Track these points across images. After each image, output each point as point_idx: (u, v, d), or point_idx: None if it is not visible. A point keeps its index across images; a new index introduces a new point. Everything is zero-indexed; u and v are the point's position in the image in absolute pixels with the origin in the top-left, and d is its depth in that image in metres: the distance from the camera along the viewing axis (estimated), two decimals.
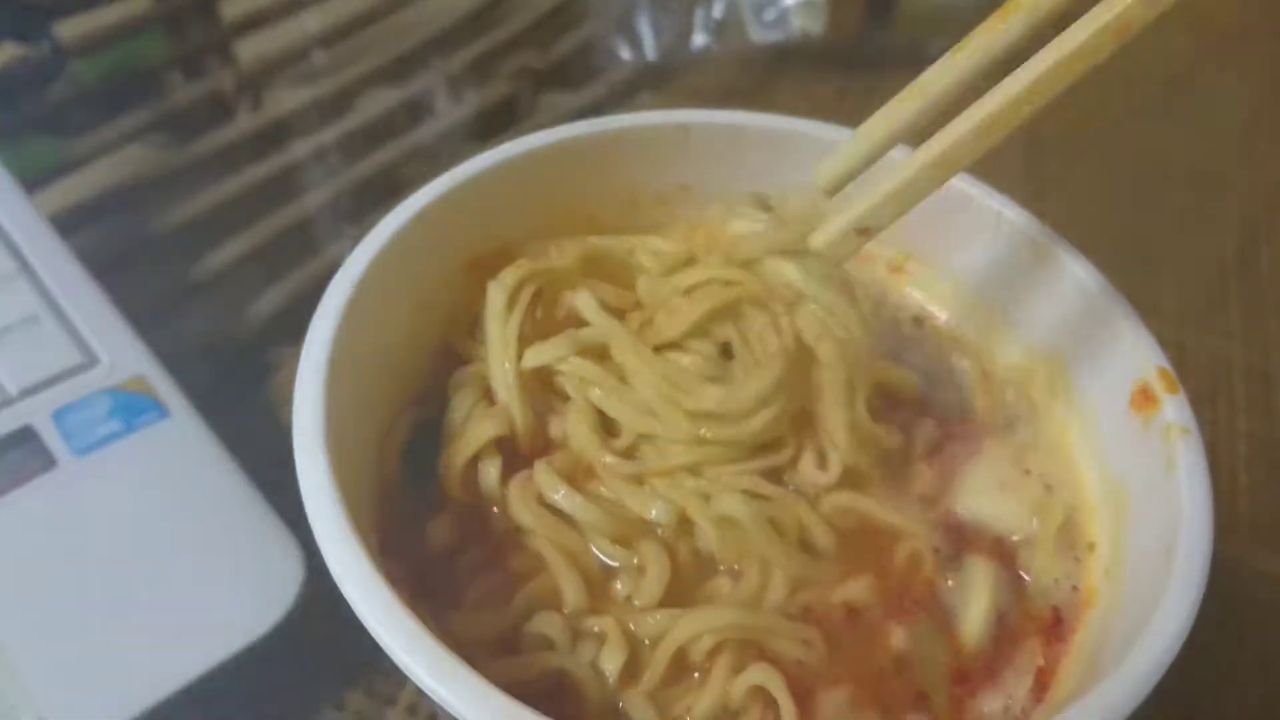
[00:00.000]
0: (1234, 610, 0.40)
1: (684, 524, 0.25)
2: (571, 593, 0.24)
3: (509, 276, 0.26)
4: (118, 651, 0.36)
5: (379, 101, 0.74)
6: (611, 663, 0.23)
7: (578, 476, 0.26)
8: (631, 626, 0.24)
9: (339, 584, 0.20)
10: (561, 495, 0.25)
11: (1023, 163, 0.57)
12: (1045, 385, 0.29)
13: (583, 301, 0.27)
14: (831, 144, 0.30)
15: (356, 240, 0.61)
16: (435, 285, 0.28)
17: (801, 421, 0.27)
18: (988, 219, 0.29)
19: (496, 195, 0.29)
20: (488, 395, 0.27)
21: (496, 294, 0.26)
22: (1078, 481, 0.28)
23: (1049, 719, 0.18)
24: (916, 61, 0.31)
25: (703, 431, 0.25)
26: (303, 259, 0.61)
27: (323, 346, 0.23)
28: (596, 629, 0.24)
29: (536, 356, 0.26)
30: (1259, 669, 0.40)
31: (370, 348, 0.25)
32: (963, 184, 0.29)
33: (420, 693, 0.41)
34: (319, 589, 0.39)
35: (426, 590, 0.25)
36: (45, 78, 0.66)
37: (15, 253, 0.47)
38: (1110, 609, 0.23)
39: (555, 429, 0.27)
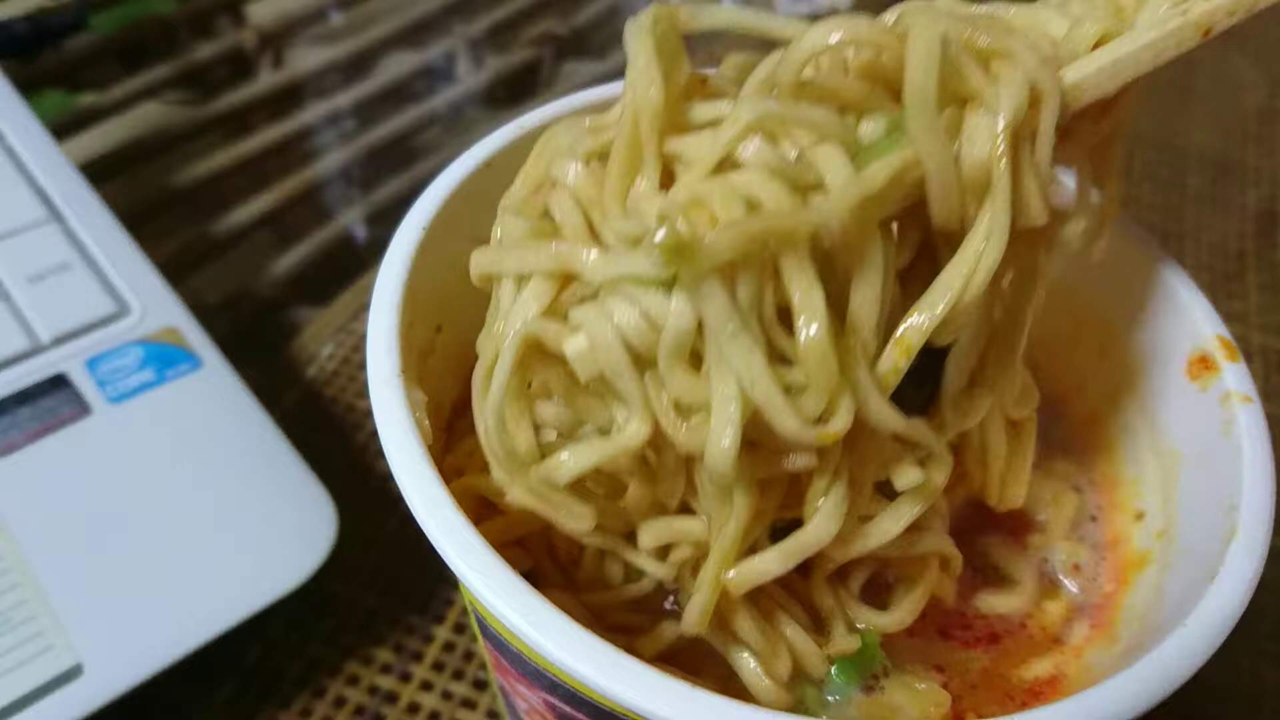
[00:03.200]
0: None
1: None
2: None
3: None
4: (152, 599, 0.37)
5: (400, 64, 0.73)
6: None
7: None
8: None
9: (405, 495, 0.20)
10: None
11: None
12: (1095, 350, 0.29)
13: None
14: None
15: (372, 204, 0.62)
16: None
17: None
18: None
19: None
20: None
21: None
22: (1117, 454, 0.28)
23: (1126, 668, 0.19)
24: None
25: None
26: (321, 220, 0.61)
27: (394, 288, 0.23)
28: None
29: None
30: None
31: (433, 290, 0.25)
32: None
33: (445, 649, 0.42)
34: (350, 543, 0.40)
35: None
36: (64, 30, 0.65)
37: (45, 200, 0.47)
38: (1165, 569, 0.24)
39: None
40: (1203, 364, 0.25)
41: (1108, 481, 0.28)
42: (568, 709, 0.23)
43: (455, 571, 0.19)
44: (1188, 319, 0.26)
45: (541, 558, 0.24)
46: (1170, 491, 0.25)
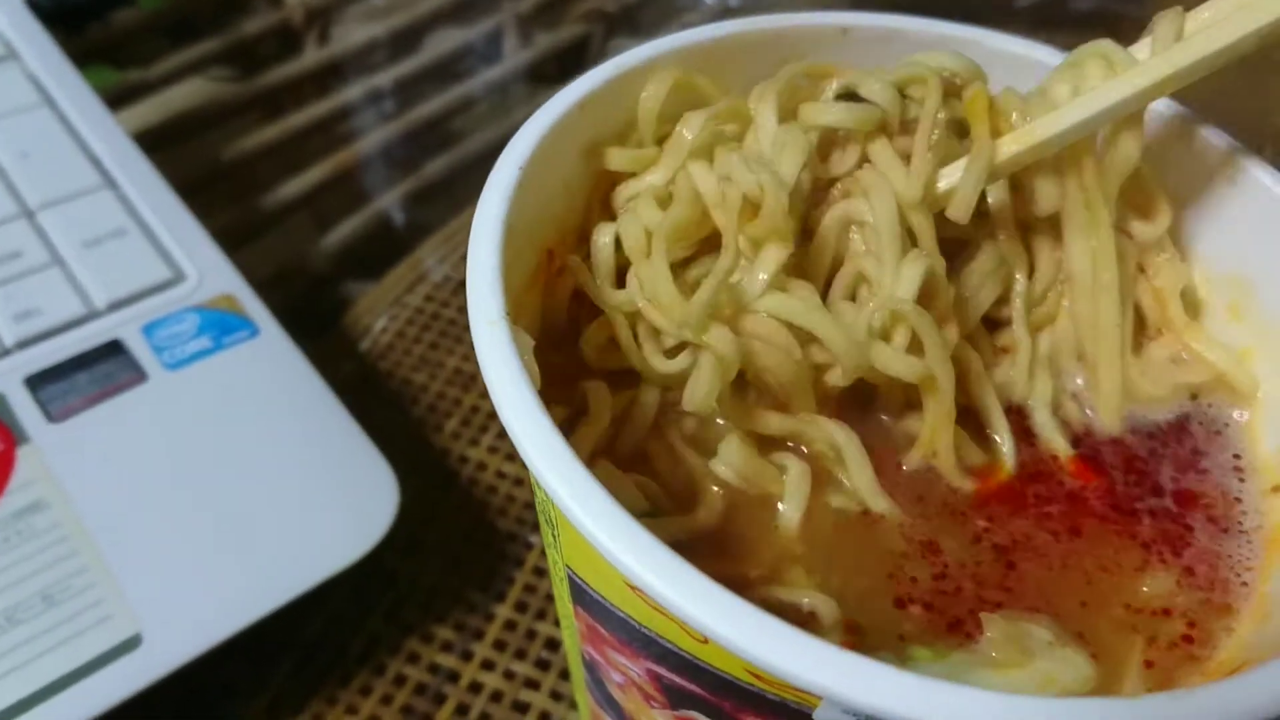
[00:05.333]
0: None
1: None
2: None
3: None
4: (212, 570, 0.35)
5: (446, 40, 0.72)
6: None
7: None
8: None
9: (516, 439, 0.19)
10: None
11: None
12: (1228, 309, 0.27)
13: None
14: (1009, 57, 0.29)
15: (421, 179, 0.61)
16: (580, 173, 0.26)
17: None
18: (1179, 127, 0.27)
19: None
20: None
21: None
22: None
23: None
24: (1003, 14, 0.30)
25: None
26: (367, 197, 0.60)
27: (495, 227, 0.22)
28: None
29: None
30: None
31: (526, 222, 0.23)
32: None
33: (507, 627, 0.41)
34: (409, 516, 0.38)
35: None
36: (111, 3, 0.65)
37: (100, 167, 0.46)
38: None
39: None
40: None
41: None
42: (677, 679, 0.22)
43: (578, 526, 0.18)
44: None
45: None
46: None
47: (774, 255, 0.23)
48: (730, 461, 0.23)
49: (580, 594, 0.23)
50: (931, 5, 0.34)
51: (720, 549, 0.23)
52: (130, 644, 0.33)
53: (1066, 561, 0.23)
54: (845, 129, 0.25)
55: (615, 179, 0.28)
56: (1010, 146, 0.24)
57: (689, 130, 0.25)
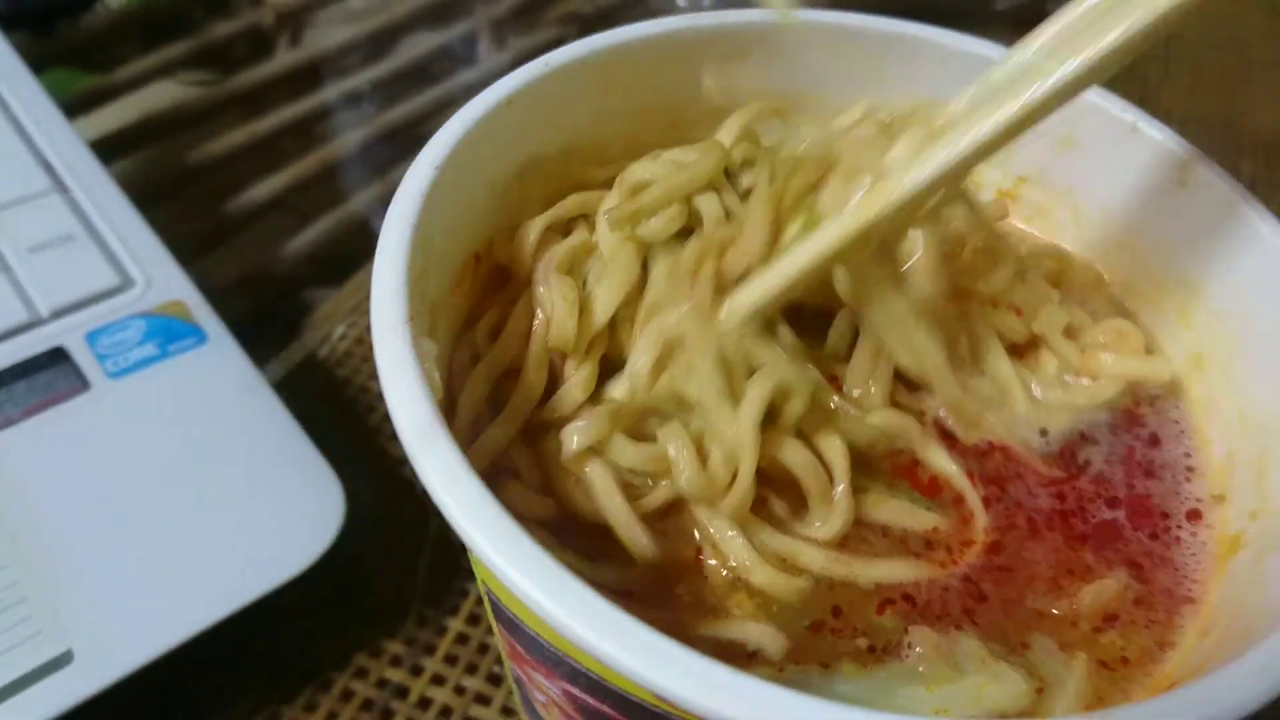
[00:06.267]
0: None
1: None
2: None
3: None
4: (149, 583, 0.34)
5: (422, 43, 0.71)
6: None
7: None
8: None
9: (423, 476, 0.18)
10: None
11: None
12: (1177, 316, 0.26)
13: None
14: (954, 53, 0.28)
15: (390, 184, 0.60)
16: (507, 175, 0.26)
17: None
18: (1120, 132, 0.26)
19: (580, 89, 0.26)
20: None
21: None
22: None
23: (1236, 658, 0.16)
24: (984, 17, 0.29)
25: None
26: (336, 201, 0.59)
27: (403, 228, 0.21)
28: None
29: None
30: None
31: (445, 223, 0.22)
32: (1089, 95, 0.27)
33: (459, 641, 0.40)
34: (359, 529, 0.37)
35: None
36: (76, 4, 0.64)
37: (50, 171, 0.45)
38: (1265, 551, 0.21)
39: None
40: None
41: None
42: (590, 700, 0.21)
43: (463, 536, 0.17)
44: None
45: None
46: (1265, 466, 0.23)
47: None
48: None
49: (498, 611, 0.23)
50: (910, 6, 0.33)
51: (660, 586, 0.22)
52: (61, 660, 0.32)
53: (1004, 574, 0.22)
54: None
55: (551, 182, 0.28)
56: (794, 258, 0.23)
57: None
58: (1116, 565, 0.23)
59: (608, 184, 0.28)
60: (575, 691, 0.21)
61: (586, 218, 0.26)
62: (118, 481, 0.36)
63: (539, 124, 0.26)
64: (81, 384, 0.38)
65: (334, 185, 0.61)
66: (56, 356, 0.39)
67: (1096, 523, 0.23)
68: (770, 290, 0.22)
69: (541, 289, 0.24)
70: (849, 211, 0.22)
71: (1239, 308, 0.24)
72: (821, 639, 0.20)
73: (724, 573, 0.21)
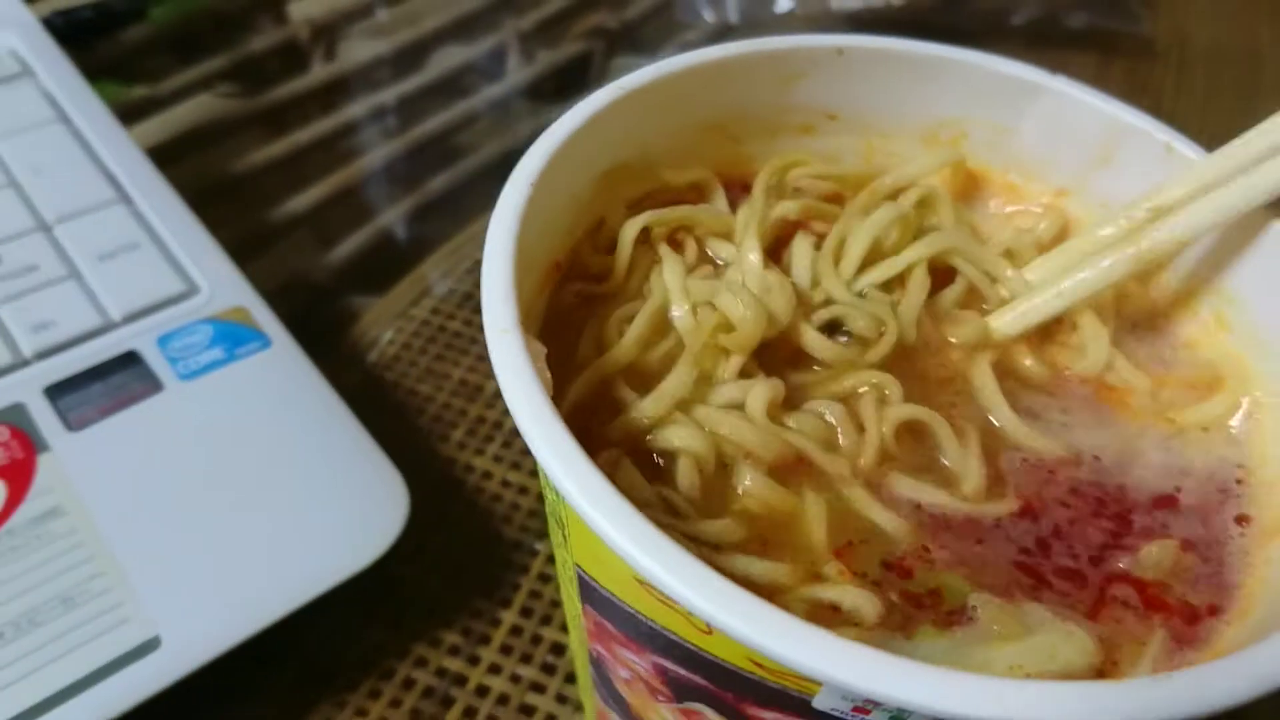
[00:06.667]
0: None
1: None
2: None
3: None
4: (226, 575, 0.36)
5: (451, 57, 0.73)
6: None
7: None
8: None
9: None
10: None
11: None
12: (1213, 321, 0.28)
13: None
14: (999, 77, 0.30)
15: (425, 194, 0.62)
16: (586, 188, 0.28)
17: None
18: (1155, 151, 0.28)
19: (648, 109, 0.28)
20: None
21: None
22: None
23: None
24: (997, 32, 0.31)
25: None
26: (372, 212, 0.61)
27: (508, 240, 0.23)
28: None
29: None
30: None
31: (535, 235, 0.25)
32: (1125, 115, 0.29)
33: (513, 632, 0.42)
34: (415, 527, 0.39)
35: None
36: (126, 18, 0.66)
37: (113, 181, 0.47)
38: None
39: None
40: None
41: None
42: (682, 671, 0.23)
43: (584, 518, 0.19)
44: None
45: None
46: None
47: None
48: (751, 491, 0.24)
49: (589, 591, 0.24)
50: (927, 23, 0.35)
51: (754, 555, 0.24)
52: (149, 646, 0.34)
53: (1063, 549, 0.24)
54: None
55: (632, 194, 0.30)
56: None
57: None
58: (1169, 535, 0.25)
59: (685, 194, 0.31)
60: (667, 664, 0.23)
61: (690, 230, 0.29)
62: (192, 477, 0.38)
63: (612, 141, 0.28)
64: (154, 386, 0.40)
65: (365, 197, 0.63)
66: (129, 360, 0.41)
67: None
68: (1044, 315, 0.27)
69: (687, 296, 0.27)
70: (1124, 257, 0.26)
71: (1273, 309, 0.26)
72: (902, 605, 0.22)
73: (821, 538, 0.23)
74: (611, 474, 0.20)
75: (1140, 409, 0.27)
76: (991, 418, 0.26)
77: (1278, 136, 0.26)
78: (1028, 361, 0.27)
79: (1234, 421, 0.27)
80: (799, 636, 0.18)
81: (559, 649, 0.41)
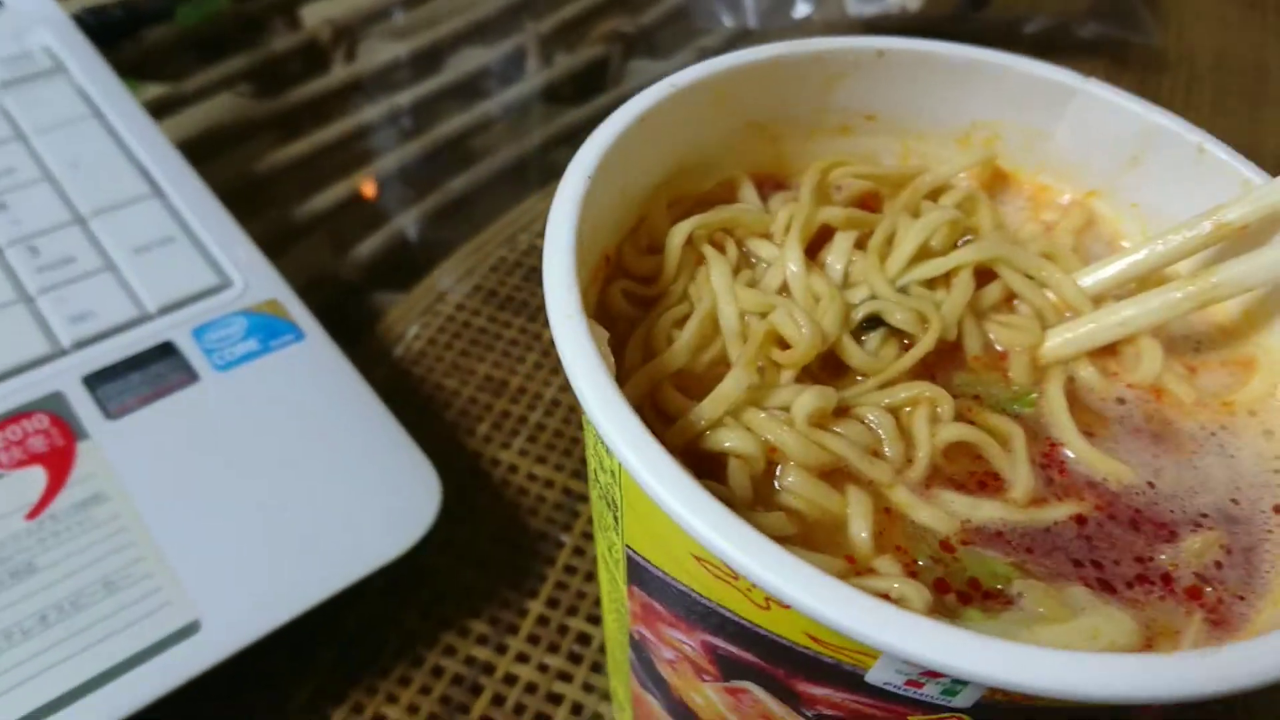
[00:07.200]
0: None
1: None
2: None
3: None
4: (264, 561, 0.37)
5: (470, 59, 0.74)
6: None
7: None
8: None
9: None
10: None
11: None
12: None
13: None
14: (1033, 80, 0.31)
15: (446, 193, 0.63)
16: (635, 182, 0.29)
17: None
18: (1186, 152, 0.29)
19: (697, 107, 0.29)
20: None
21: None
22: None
23: None
24: (1012, 40, 0.32)
25: None
26: (394, 211, 0.62)
27: (568, 229, 0.24)
28: None
29: None
30: None
31: (590, 226, 0.25)
32: (1157, 116, 0.30)
33: (540, 623, 0.42)
34: (444, 518, 0.40)
35: None
36: (154, 18, 0.67)
37: (147, 176, 0.48)
38: None
39: None
40: None
41: None
42: (733, 649, 0.23)
43: (650, 493, 0.20)
44: None
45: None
46: None
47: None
48: (793, 489, 0.25)
49: (639, 572, 0.25)
50: (941, 32, 0.36)
51: (802, 548, 0.24)
52: (190, 629, 0.35)
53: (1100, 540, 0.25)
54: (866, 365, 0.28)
55: (671, 192, 0.30)
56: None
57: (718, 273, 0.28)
58: (1204, 529, 0.25)
59: (715, 192, 0.31)
60: (719, 642, 0.24)
61: (730, 232, 0.29)
62: (229, 466, 0.39)
63: (662, 138, 0.29)
64: (191, 376, 0.41)
65: (387, 196, 0.64)
66: (166, 350, 0.42)
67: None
68: (1104, 340, 0.28)
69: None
70: (1187, 295, 0.27)
71: None
72: (950, 599, 0.23)
73: (865, 535, 0.24)
74: None
75: (1193, 406, 0.27)
76: (1065, 448, 0.26)
77: None
78: (1084, 372, 0.28)
79: (1271, 407, 0.27)
80: (862, 607, 0.18)
81: (585, 639, 0.42)
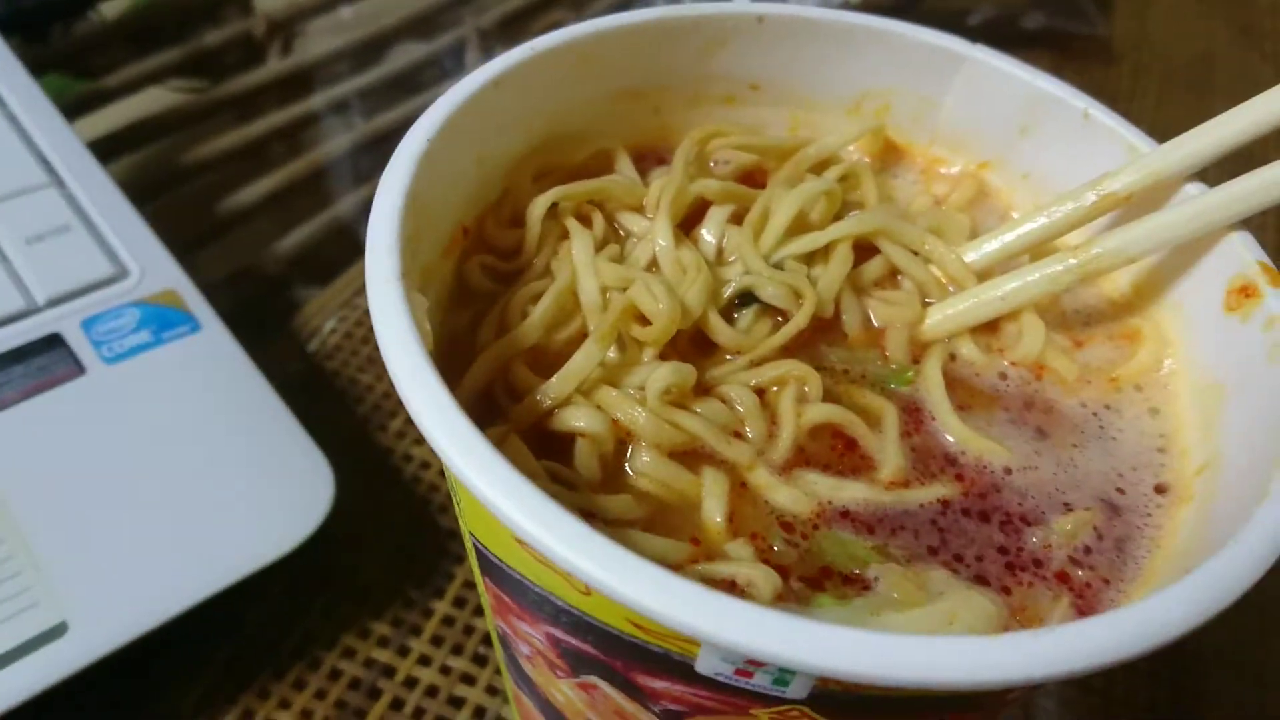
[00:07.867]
0: None
1: None
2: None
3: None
4: (144, 560, 0.35)
5: (409, 54, 0.73)
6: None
7: None
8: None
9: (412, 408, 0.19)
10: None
11: None
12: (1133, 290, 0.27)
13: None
14: (920, 47, 0.29)
15: (375, 189, 0.61)
16: (495, 151, 0.27)
17: None
18: (1073, 119, 0.28)
19: (562, 73, 0.28)
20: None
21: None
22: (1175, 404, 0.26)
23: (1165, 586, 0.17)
24: (953, 33, 0.31)
25: None
26: (322, 205, 0.61)
27: (398, 192, 0.22)
28: None
29: None
30: None
31: (437, 192, 0.24)
32: (1043, 83, 0.28)
33: (445, 623, 0.41)
34: (348, 514, 0.38)
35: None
36: (70, 9, 0.65)
37: (47, 165, 0.46)
38: (1208, 500, 0.22)
39: None
40: (1243, 293, 0.24)
41: None
42: (572, 640, 0.22)
43: (453, 468, 0.18)
44: (1228, 250, 0.25)
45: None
46: (1212, 424, 0.24)
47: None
48: (644, 470, 0.23)
49: (484, 561, 0.24)
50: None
51: (653, 532, 0.23)
52: (56, 631, 0.33)
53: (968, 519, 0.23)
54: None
55: (537, 162, 0.29)
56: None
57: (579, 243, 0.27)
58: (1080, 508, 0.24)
59: (588, 164, 0.30)
60: (557, 633, 0.22)
61: (599, 205, 0.28)
62: (113, 462, 0.37)
63: (524, 104, 0.27)
64: (77, 368, 0.39)
65: (320, 190, 0.62)
66: (53, 342, 0.40)
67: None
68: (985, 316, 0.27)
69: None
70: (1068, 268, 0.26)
71: (1185, 280, 0.26)
72: (801, 586, 0.22)
73: (719, 519, 0.22)
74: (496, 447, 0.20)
75: (1076, 383, 0.26)
76: (940, 427, 0.25)
77: (1223, 132, 0.25)
78: (966, 349, 0.27)
79: (1157, 382, 0.26)
80: (673, 592, 0.17)
81: (491, 640, 0.40)
